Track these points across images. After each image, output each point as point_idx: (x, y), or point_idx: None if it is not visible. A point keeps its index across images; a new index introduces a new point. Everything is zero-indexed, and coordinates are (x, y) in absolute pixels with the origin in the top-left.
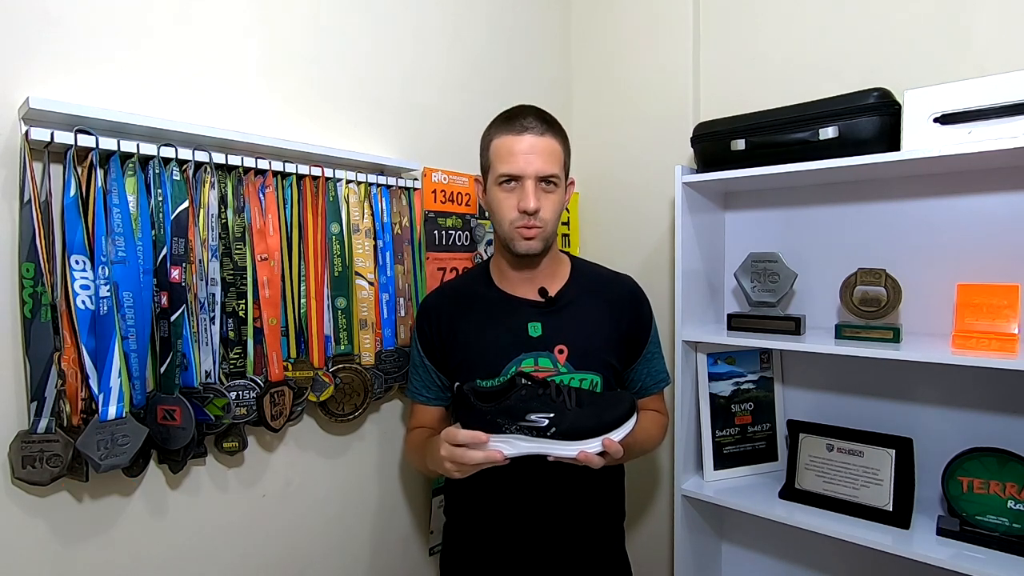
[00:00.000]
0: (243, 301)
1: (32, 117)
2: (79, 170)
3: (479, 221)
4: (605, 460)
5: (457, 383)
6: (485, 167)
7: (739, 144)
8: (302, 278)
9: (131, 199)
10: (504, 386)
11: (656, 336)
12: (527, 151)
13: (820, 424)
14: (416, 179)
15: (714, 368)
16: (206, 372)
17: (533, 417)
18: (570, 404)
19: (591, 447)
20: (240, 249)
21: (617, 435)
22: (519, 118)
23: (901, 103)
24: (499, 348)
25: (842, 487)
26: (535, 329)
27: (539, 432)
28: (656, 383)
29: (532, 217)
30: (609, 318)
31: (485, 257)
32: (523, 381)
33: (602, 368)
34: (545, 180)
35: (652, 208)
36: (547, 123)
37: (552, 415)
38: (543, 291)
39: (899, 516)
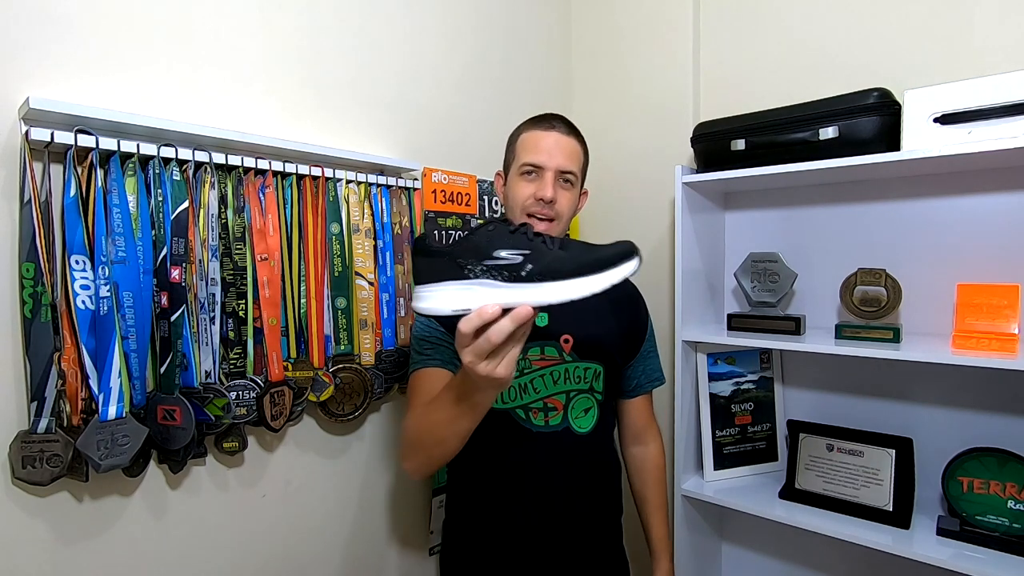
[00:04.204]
0: (243, 301)
1: (32, 117)
2: (79, 170)
3: (479, 221)
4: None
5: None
6: (509, 160)
7: (739, 144)
8: (302, 278)
9: (131, 199)
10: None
11: (652, 334)
12: (552, 146)
13: (820, 424)
14: (416, 179)
15: (714, 368)
16: (206, 372)
17: (503, 254)
18: (551, 246)
19: (584, 289)
20: (240, 249)
21: (617, 276)
22: (548, 119)
23: (901, 103)
24: None
25: (842, 487)
26: (541, 319)
27: (511, 273)
28: (651, 381)
29: (547, 206)
30: (610, 313)
31: None
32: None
33: (605, 359)
34: (564, 176)
35: (652, 208)
36: (573, 129)
37: (528, 252)
38: None
39: (899, 516)
